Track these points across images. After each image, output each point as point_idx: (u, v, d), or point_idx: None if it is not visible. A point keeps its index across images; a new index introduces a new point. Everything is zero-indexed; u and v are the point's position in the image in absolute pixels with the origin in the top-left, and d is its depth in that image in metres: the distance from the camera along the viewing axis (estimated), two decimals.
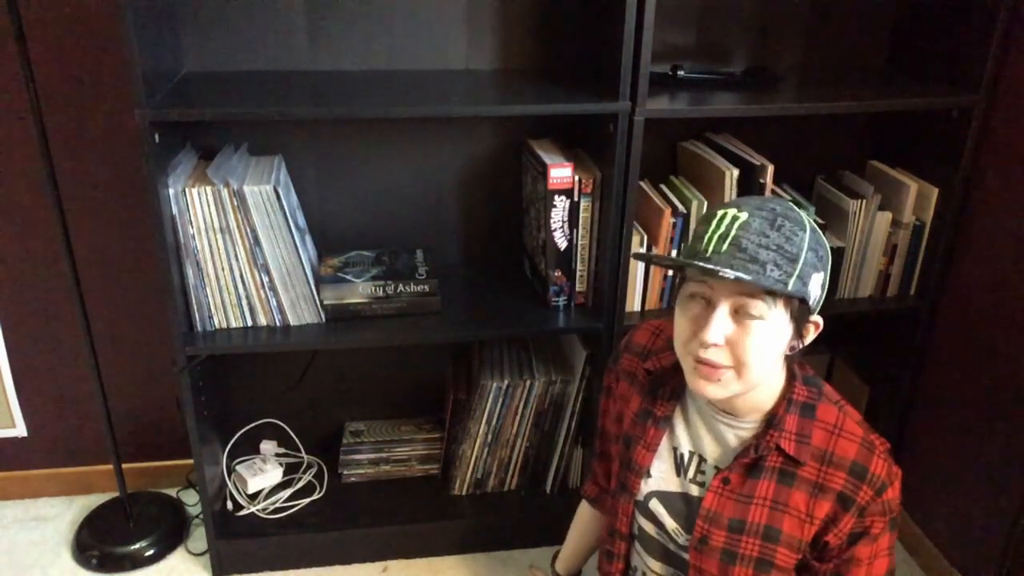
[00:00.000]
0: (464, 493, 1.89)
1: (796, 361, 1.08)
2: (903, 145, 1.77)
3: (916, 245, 1.71)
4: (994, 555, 1.62)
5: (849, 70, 1.78)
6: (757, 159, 1.60)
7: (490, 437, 1.81)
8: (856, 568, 1.05)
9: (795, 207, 0.99)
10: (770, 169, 1.58)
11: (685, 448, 1.12)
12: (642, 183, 1.68)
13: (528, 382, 1.76)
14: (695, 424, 1.12)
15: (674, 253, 1.62)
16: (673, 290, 1.06)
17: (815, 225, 0.99)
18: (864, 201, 1.65)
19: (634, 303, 1.65)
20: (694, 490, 1.11)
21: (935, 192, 1.65)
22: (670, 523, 1.13)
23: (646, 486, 1.14)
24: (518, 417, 1.80)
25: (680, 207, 1.61)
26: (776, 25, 1.74)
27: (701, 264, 0.93)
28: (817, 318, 1.02)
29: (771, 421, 1.05)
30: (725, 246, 0.95)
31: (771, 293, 0.95)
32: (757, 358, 0.97)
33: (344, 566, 1.81)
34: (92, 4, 1.54)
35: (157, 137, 1.38)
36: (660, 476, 1.14)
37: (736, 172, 1.58)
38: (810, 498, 1.03)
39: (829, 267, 1.01)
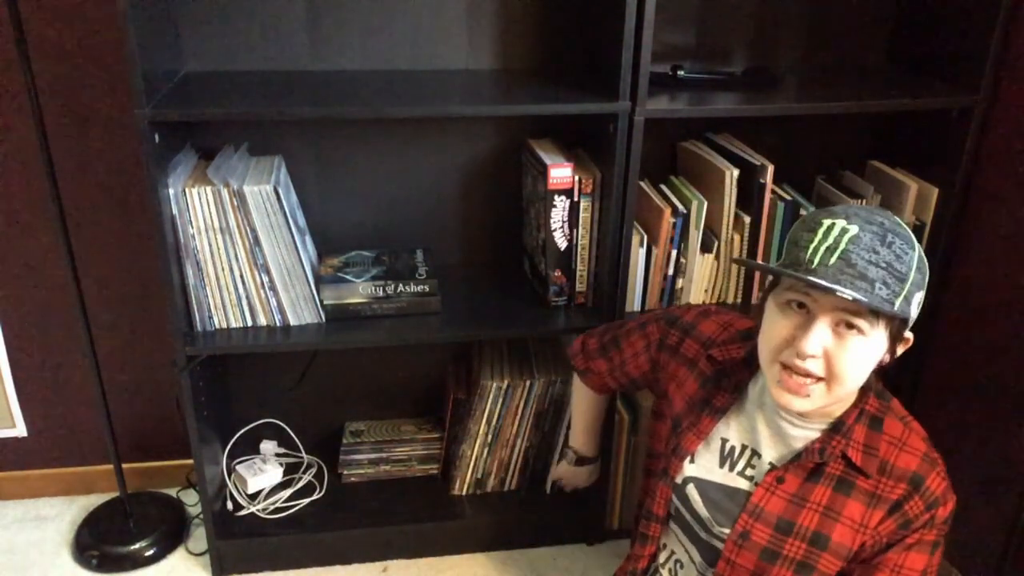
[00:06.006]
0: (464, 493, 1.89)
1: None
2: (903, 145, 1.77)
3: None
4: (994, 555, 1.62)
5: (849, 70, 1.78)
6: (757, 159, 1.60)
7: (490, 437, 1.81)
8: (878, 573, 1.04)
9: (901, 222, 0.97)
10: (770, 169, 1.59)
11: (736, 441, 1.11)
12: (642, 183, 1.68)
13: (528, 382, 1.76)
14: (755, 419, 1.10)
15: (674, 253, 1.63)
16: (763, 290, 1.04)
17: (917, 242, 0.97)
18: (864, 201, 1.65)
19: (634, 303, 1.65)
20: (740, 483, 1.10)
21: (935, 192, 1.65)
22: (703, 511, 1.12)
23: (686, 470, 1.14)
24: (518, 417, 1.80)
25: (680, 207, 1.61)
26: (776, 25, 1.74)
27: (814, 280, 0.91)
28: (909, 334, 1.00)
29: (838, 427, 1.04)
30: (833, 259, 0.92)
31: (875, 313, 0.93)
32: (852, 373, 0.96)
33: (344, 566, 1.81)
34: (92, 4, 1.55)
35: (157, 137, 1.38)
36: (702, 464, 1.13)
37: (736, 172, 1.58)
38: (867, 509, 1.03)
39: (927, 284, 0.99)
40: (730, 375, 1.14)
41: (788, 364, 0.97)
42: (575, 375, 1.44)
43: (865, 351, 0.96)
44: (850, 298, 0.89)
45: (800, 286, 0.95)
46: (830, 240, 0.93)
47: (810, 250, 0.94)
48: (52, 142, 1.55)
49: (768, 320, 1.01)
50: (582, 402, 1.45)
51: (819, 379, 0.97)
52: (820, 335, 0.94)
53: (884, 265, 0.92)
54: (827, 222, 0.95)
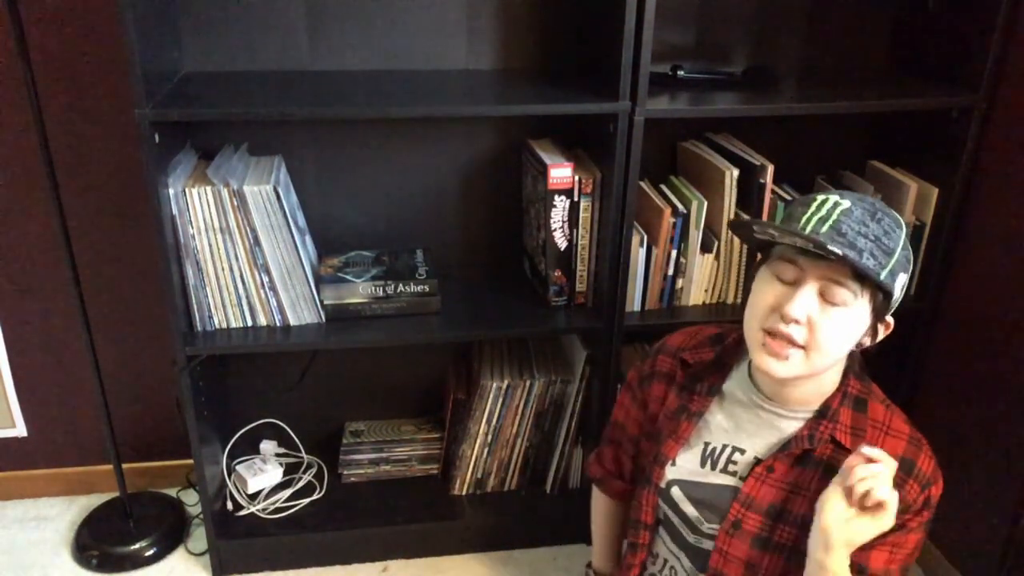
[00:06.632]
0: (464, 493, 1.89)
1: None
2: (903, 145, 1.77)
3: (916, 245, 1.71)
4: (994, 555, 1.62)
5: (849, 70, 1.78)
6: (757, 159, 1.60)
7: (490, 437, 1.81)
8: (878, 553, 1.05)
9: (891, 210, 1.01)
10: (770, 169, 1.59)
11: (718, 442, 1.13)
12: (642, 183, 1.68)
13: (528, 382, 1.76)
14: (737, 417, 1.12)
15: (674, 253, 1.63)
16: (752, 267, 1.08)
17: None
18: None
19: (634, 303, 1.65)
20: (725, 480, 1.11)
21: (935, 192, 1.65)
22: (691, 511, 1.14)
23: (668, 474, 1.16)
24: (518, 417, 1.80)
25: (680, 207, 1.61)
26: (776, 25, 1.74)
27: (804, 235, 0.94)
28: (890, 319, 1.04)
29: (824, 412, 1.07)
30: (824, 228, 0.97)
31: (860, 281, 0.97)
32: (832, 343, 0.99)
33: (344, 566, 1.81)
34: (92, 4, 1.55)
35: (157, 137, 1.38)
36: (683, 466, 1.15)
37: (736, 172, 1.58)
38: None
39: (910, 272, 1.04)
40: (703, 379, 1.17)
41: (772, 330, 1.00)
42: (594, 488, 1.43)
43: (847, 323, 0.99)
44: (839, 253, 0.92)
45: (788, 254, 0.99)
46: (823, 212, 0.98)
47: (803, 220, 0.99)
48: (52, 142, 1.55)
49: (757, 288, 1.04)
50: (600, 515, 1.44)
51: (799, 347, 0.99)
52: (806, 300, 0.98)
53: (873, 238, 0.96)
54: (820, 197, 1.01)
